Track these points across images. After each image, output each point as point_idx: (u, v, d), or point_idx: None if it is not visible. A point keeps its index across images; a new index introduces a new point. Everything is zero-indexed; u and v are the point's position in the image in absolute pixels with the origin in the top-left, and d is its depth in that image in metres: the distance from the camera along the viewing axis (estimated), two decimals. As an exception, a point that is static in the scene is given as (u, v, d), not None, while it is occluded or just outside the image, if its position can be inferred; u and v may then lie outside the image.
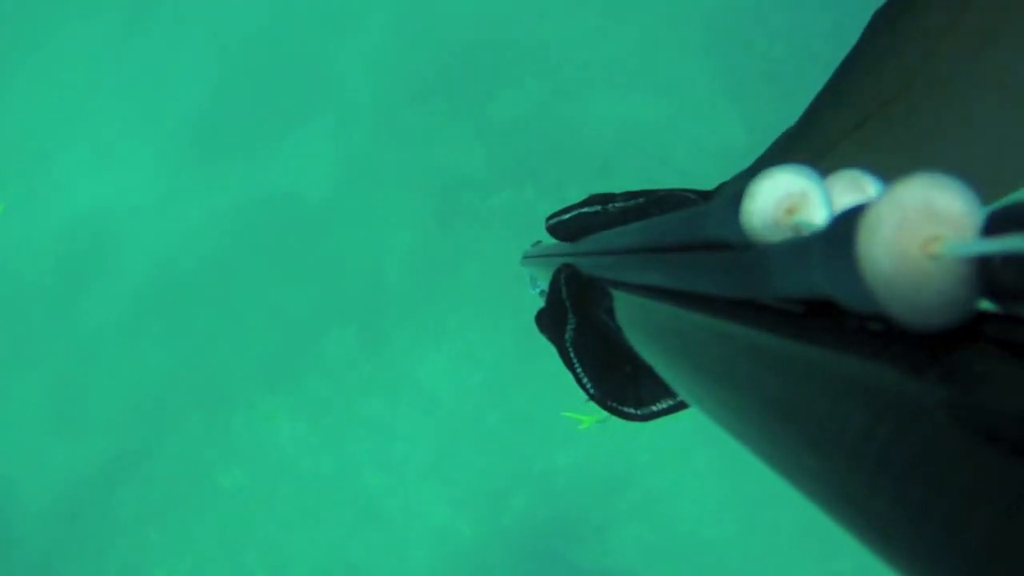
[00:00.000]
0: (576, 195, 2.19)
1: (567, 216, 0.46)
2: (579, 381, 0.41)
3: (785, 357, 0.19)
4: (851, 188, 0.20)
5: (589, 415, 2.25)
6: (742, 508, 2.35)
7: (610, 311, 0.39)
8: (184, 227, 2.85)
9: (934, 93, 0.37)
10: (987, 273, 0.14)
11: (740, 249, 0.21)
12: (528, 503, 2.41)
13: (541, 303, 0.48)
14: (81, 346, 2.77)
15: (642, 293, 0.32)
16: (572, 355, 0.41)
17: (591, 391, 0.41)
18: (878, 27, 0.41)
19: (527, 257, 0.64)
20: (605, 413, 0.43)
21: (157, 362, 2.69)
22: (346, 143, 2.86)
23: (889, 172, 0.18)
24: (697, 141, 2.58)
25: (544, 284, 0.53)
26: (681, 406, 0.39)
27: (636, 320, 0.35)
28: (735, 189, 0.22)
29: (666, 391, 0.38)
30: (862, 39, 0.42)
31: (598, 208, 0.44)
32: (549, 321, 0.44)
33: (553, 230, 0.47)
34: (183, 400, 2.64)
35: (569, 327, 0.41)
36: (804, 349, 0.18)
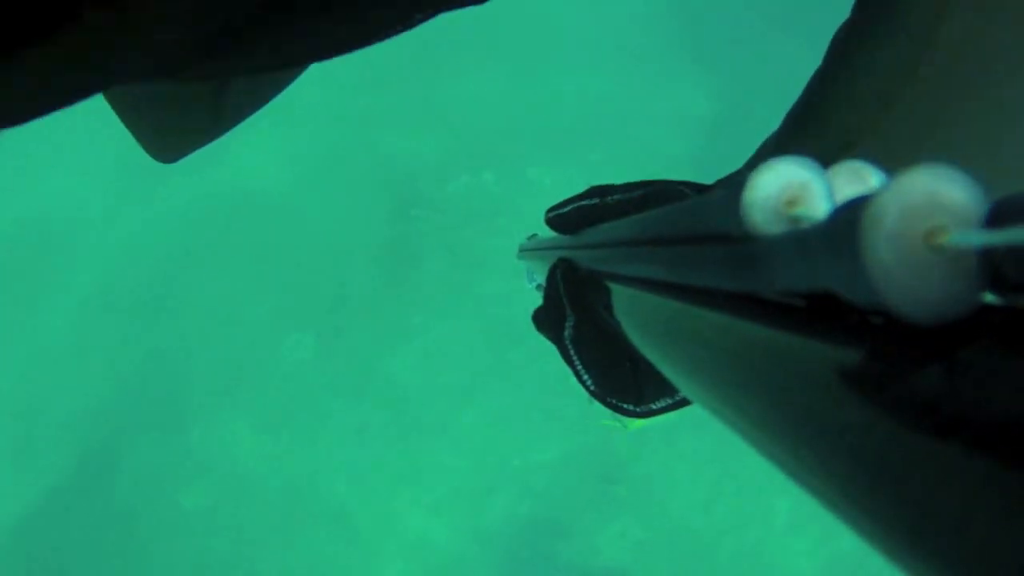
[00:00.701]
0: (537, 176, 2.14)
1: (565, 209, 0.47)
2: (579, 378, 0.41)
3: (785, 351, 0.19)
4: (853, 179, 0.20)
5: (629, 420, 2.21)
6: (733, 495, 2.34)
7: (608, 306, 0.40)
8: (130, 231, 2.80)
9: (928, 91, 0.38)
10: (991, 265, 0.15)
11: (740, 242, 0.21)
12: (509, 504, 2.39)
13: (538, 296, 0.49)
14: (25, 364, 2.69)
15: (641, 287, 0.33)
16: (572, 353, 0.41)
17: (591, 388, 0.41)
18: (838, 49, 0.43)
19: (523, 250, 0.65)
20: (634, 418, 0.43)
21: (108, 378, 2.63)
22: (295, 137, 2.82)
23: (893, 163, 0.18)
24: (663, 113, 2.54)
25: (541, 278, 0.54)
26: (680, 404, 0.40)
27: (634, 314, 0.35)
28: (736, 181, 0.22)
29: (666, 388, 0.39)
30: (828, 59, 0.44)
31: (596, 201, 0.45)
32: (547, 319, 0.44)
33: (551, 223, 0.48)
34: (138, 417, 2.58)
35: (568, 324, 0.41)
36: (805, 343, 0.18)
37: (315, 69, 0.50)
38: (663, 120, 2.58)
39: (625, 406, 0.41)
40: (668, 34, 2.61)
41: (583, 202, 0.46)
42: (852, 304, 0.16)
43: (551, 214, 0.48)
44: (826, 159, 0.20)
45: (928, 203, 0.15)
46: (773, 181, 0.20)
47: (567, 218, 0.47)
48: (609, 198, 0.45)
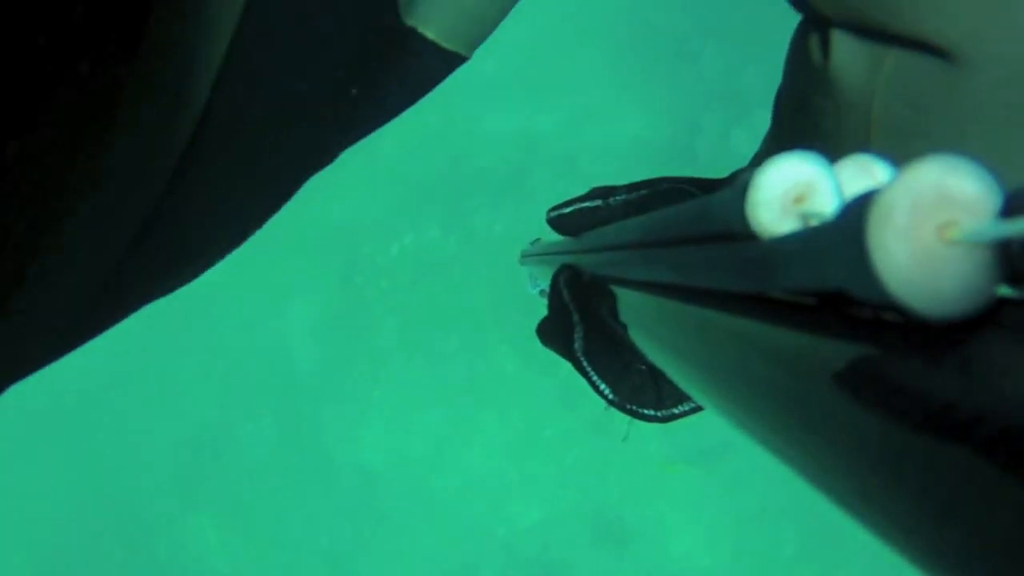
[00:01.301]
0: (485, 223, 2.04)
1: (568, 210, 0.47)
2: (596, 389, 0.41)
3: (797, 352, 0.19)
4: (861, 174, 0.20)
5: (679, 463, 2.23)
6: (734, 529, 2.27)
7: (613, 311, 0.40)
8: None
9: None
10: (1006, 258, 0.15)
11: (747, 241, 0.21)
12: (499, 576, 2.28)
13: (541, 302, 0.50)
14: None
15: (646, 290, 0.33)
16: (585, 364, 0.41)
17: (610, 397, 0.41)
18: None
19: (526, 256, 0.67)
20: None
21: (61, 497, 2.54)
22: None
23: (902, 156, 0.17)
24: (607, 141, 2.45)
25: (544, 283, 0.55)
26: (700, 407, 0.39)
27: (641, 318, 0.36)
28: (741, 179, 0.21)
29: (685, 392, 0.38)
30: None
31: (599, 202, 0.46)
32: (553, 330, 0.45)
33: (553, 224, 0.49)
34: (98, 535, 2.48)
35: (577, 336, 0.42)
36: (816, 343, 0.18)
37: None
38: (614, 149, 2.52)
39: (645, 412, 0.41)
40: (607, 59, 2.56)
41: (585, 204, 0.46)
42: (864, 302, 0.16)
43: (552, 214, 0.49)
44: (824, 148, 0.20)
45: (939, 196, 0.15)
46: (779, 178, 0.20)
47: (568, 219, 0.48)
48: (612, 199, 0.45)
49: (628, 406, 0.41)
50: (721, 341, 0.25)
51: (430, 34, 0.47)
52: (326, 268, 2.61)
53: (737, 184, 0.21)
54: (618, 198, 0.45)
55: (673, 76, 2.55)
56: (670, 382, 0.38)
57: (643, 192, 0.45)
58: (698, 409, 0.40)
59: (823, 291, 0.18)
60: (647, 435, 2.27)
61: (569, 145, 2.59)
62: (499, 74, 2.71)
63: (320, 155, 0.46)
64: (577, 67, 2.65)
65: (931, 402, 0.14)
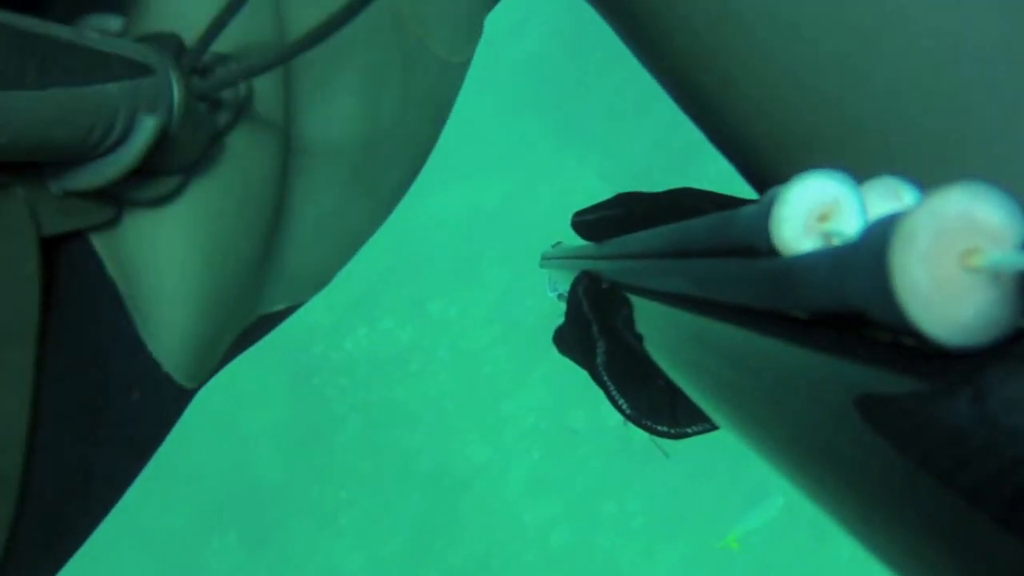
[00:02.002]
0: (439, 309, 2.02)
1: (590, 217, 0.48)
2: (614, 403, 0.42)
3: (812, 372, 0.19)
4: (887, 196, 0.20)
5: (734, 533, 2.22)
6: None
7: (629, 320, 0.41)
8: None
9: None
10: None
11: (768, 257, 0.22)
12: None
13: (559, 305, 0.51)
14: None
15: (664, 301, 0.33)
16: (606, 379, 0.42)
17: (627, 412, 0.42)
18: None
19: (546, 258, 0.68)
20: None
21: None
22: None
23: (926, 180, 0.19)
24: (558, 206, 2.44)
25: (563, 287, 0.56)
26: (714, 427, 0.40)
27: (656, 329, 0.36)
28: (767, 194, 0.22)
29: (700, 412, 0.39)
30: None
31: (622, 211, 0.47)
32: (571, 339, 0.46)
33: (576, 228, 0.50)
34: None
35: (599, 351, 0.42)
36: (832, 364, 0.19)
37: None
38: (560, 212, 2.50)
39: (660, 428, 0.42)
40: (540, 122, 2.56)
41: (608, 211, 0.47)
42: (883, 325, 0.17)
43: (576, 219, 0.49)
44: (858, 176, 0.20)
45: (964, 222, 0.15)
46: (804, 195, 0.20)
47: (592, 226, 0.48)
48: (636, 208, 0.46)
49: (644, 421, 0.42)
50: (736, 357, 0.25)
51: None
52: (280, 372, 2.58)
53: (763, 199, 0.22)
54: (643, 207, 0.46)
55: (612, 133, 2.57)
56: (686, 399, 0.38)
57: (667, 202, 0.46)
58: (710, 429, 0.41)
59: (842, 311, 0.18)
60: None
61: (518, 217, 2.60)
62: (437, 152, 2.71)
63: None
64: (513, 134, 2.66)
65: (942, 431, 0.14)
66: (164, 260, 0.36)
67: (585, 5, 0.54)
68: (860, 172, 0.22)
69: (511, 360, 2.47)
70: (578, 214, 0.50)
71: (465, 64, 0.57)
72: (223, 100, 0.36)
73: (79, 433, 0.35)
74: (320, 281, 0.57)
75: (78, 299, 0.34)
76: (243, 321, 0.47)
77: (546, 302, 2.53)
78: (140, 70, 0.29)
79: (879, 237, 0.16)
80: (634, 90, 2.59)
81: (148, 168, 0.31)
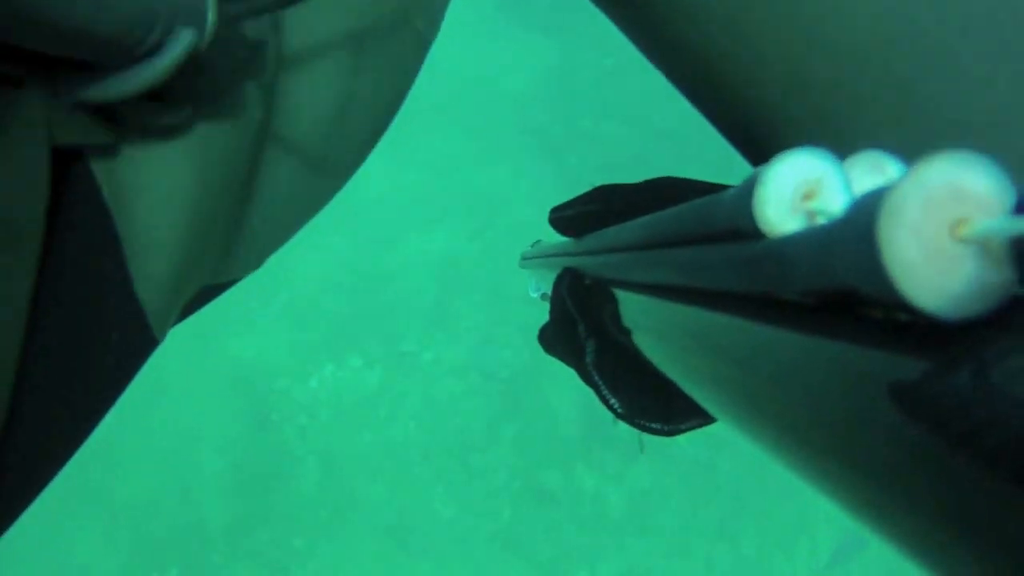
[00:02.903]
0: (414, 350, 1.99)
1: (570, 212, 0.49)
2: (606, 402, 0.42)
3: (805, 353, 0.20)
4: (871, 170, 0.21)
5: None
6: None
7: (615, 315, 0.41)
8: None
9: None
10: (1020, 256, 0.15)
11: (754, 240, 0.22)
12: None
13: (543, 305, 0.52)
14: None
15: (650, 293, 0.34)
16: (597, 378, 0.42)
17: (619, 411, 0.42)
18: None
19: (526, 258, 0.69)
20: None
21: None
22: None
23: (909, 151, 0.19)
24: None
25: (545, 286, 0.57)
26: (707, 422, 0.41)
27: (645, 322, 0.37)
28: (749, 176, 0.22)
29: (693, 407, 0.40)
30: None
31: (600, 205, 0.47)
32: (556, 338, 0.46)
33: (553, 224, 0.50)
34: None
35: (589, 350, 0.42)
36: (825, 344, 0.19)
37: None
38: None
39: (653, 426, 0.42)
40: (527, 172, 2.55)
41: (586, 206, 0.47)
42: (875, 301, 0.17)
43: (554, 215, 0.50)
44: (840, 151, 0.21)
45: (952, 192, 0.15)
46: (788, 174, 0.21)
47: (571, 221, 0.49)
48: (615, 201, 0.46)
49: (636, 420, 0.42)
50: (727, 344, 0.25)
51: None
52: (236, 407, 2.54)
53: (745, 181, 0.22)
54: (620, 200, 0.46)
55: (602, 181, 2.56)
56: (679, 395, 0.38)
57: (647, 194, 0.46)
58: (703, 424, 0.42)
59: (832, 291, 0.19)
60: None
61: (502, 263, 2.58)
62: (412, 194, 2.74)
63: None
64: (499, 183, 2.65)
65: (943, 405, 0.14)
66: (162, 193, 0.36)
67: (574, 50, 0.55)
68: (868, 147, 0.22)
69: (485, 412, 2.44)
70: (555, 210, 0.50)
71: (429, 44, 0.58)
72: (241, 43, 0.37)
73: (62, 362, 0.35)
74: (261, 256, 0.57)
75: (76, 224, 0.34)
76: (203, 279, 0.47)
77: (524, 354, 2.53)
78: None
79: (866, 212, 0.16)
80: (627, 142, 2.59)
81: (165, 93, 0.32)
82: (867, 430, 0.17)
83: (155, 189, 0.36)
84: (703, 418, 0.41)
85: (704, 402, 0.32)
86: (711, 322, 0.26)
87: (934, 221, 0.15)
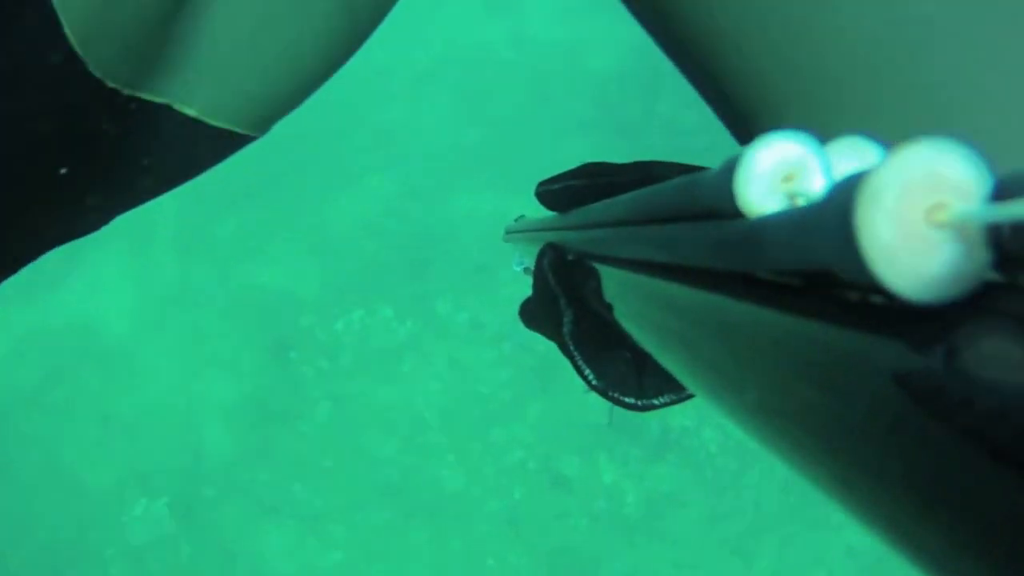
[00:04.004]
0: (447, 310, 1.99)
1: (556, 187, 0.50)
2: (580, 372, 0.44)
3: (782, 332, 0.21)
4: (852, 155, 0.22)
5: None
6: None
7: (597, 290, 0.43)
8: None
9: None
10: (995, 242, 0.16)
11: (734, 219, 0.23)
12: None
13: (526, 279, 0.54)
14: None
15: (632, 268, 0.35)
16: (572, 349, 0.44)
17: (593, 382, 0.44)
18: None
19: (510, 232, 0.71)
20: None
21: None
22: (145, 267, 2.72)
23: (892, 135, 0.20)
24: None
25: (528, 261, 0.59)
26: (682, 398, 0.43)
27: (626, 298, 0.39)
28: (730, 157, 0.24)
29: (667, 383, 0.42)
30: None
31: (587, 181, 0.49)
32: (538, 312, 0.48)
33: (540, 198, 0.52)
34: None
35: (567, 321, 0.44)
36: (801, 324, 0.20)
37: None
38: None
39: (626, 400, 0.44)
40: (585, 148, 2.54)
41: (573, 181, 0.49)
42: (851, 283, 0.18)
43: (541, 188, 0.51)
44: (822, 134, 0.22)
45: (929, 178, 0.16)
46: (769, 156, 0.22)
47: (556, 196, 0.50)
48: (601, 179, 0.48)
49: (610, 392, 0.44)
50: (705, 320, 0.26)
51: (190, 111, 0.51)
52: (255, 337, 2.56)
53: (726, 162, 0.23)
54: (607, 177, 0.48)
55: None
56: (653, 372, 0.41)
57: (634, 174, 0.47)
58: (678, 400, 0.43)
59: (809, 271, 0.20)
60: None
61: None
62: (470, 152, 2.75)
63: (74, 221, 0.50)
64: (555, 152, 2.64)
65: (915, 386, 0.15)
66: None
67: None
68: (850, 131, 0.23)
69: (512, 385, 2.45)
70: (543, 183, 0.52)
71: None
72: None
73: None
74: (251, 99, 0.57)
75: None
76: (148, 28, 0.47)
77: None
78: None
79: (844, 195, 0.17)
80: (702, 131, 2.58)
81: None
82: (840, 410, 0.18)
83: None
84: (677, 394, 0.43)
85: (680, 375, 0.33)
86: (690, 297, 0.28)
87: (911, 206, 0.16)
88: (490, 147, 2.76)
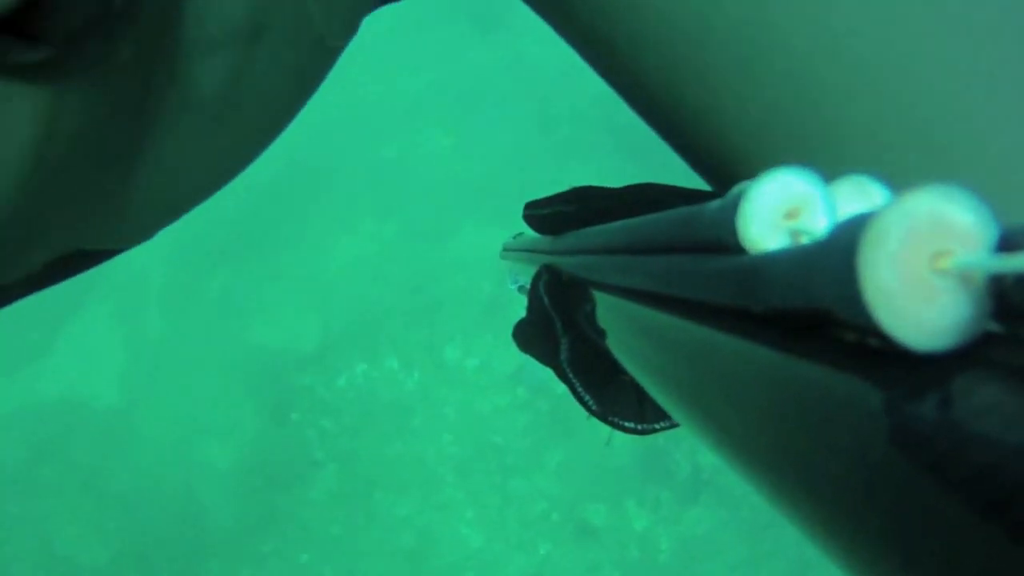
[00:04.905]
0: (459, 358, 1.96)
1: (544, 211, 0.52)
2: (579, 398, 0.45)
3: (776, 371, 0.21)
4: (857, 195, 0.22)
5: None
6: None
7: (591, 316, 0.44)
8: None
9: None
10: (997, 293, 0.16)
11: (734, 254, 0.23)
12: None
13: (520, 298, 0.56)
14: None
15: (627, 296, 0.36)
16: (571, 375, 0.45)
17: (592, 408, 0.45)
18: None
19: (507, 250, 0.73)
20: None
21: None
22: (133, 331, 2.71)
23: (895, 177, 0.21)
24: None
25: (523, 279, 0.60)
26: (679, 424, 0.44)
27: (619, 326, 0.39)
28: (734, 190, 0.24)
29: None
30: None
31: (577, 207, 0.49)
32: (534, 337, 0.49)
33: (528, 221, 0.54)
34: None
35: (564, 347, 0.45)
36: (796, 364, 0.20)
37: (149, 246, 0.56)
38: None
39: (627, 424, 0.44)
40: (600, 173, 2.54)
41: (562, 207, 0.50)
42: (849, 325, 0.18)
43: (528, 212, 0.53)
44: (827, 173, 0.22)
45: (935, 224, 0.16)
46: (773, 192, 0.22)
47: (545, 220, 0.52)
48: (593, 203, 0.49)
49: (610, 418, 0.45)
50: (698, 353, 0.27)
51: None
52: (254, 400, 2.55)
53: (729, 195, 0.24)
54: (599, 202, 0.49)
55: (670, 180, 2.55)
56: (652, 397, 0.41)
57: (627, 198, 0.48)
58: (677, 425, 0.44)
59: (808, 311, 0.20)
60: None
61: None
62: (474, 185, 2.76)
63: None
64: (566, 179, 2.61)
65: (908, 436, 0.15)
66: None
67: None
68: (828, 168, 0.24)
69: (530, 432, 2.43)
70: (530, 206, 0.53)
71: (337, 52, 0.60)
72: None
73: None
74: (155, 225, 0.57)
75: None
76: (66, 242, 0.48)
77: None
78: None
79: (848, 236, 0.17)
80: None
81: (18, 24, 0.32)
82: (828, 452, 0.18)
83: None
84: (674, 421, 0.44)
85: (667, 406, 0.34)
86: (683, 330, 0.28)
87: (915, 251, 0.16)
88: (491, 179, 2.76)
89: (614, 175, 2.57)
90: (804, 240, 0.22)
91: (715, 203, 0.25)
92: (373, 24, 0.60)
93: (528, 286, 0.51)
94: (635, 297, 0.34)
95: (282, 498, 2.41)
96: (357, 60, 2.47)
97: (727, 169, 0.50)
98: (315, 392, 2.52)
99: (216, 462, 2.47)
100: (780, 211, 0.22)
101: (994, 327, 0.17)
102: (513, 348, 1.68)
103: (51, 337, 2.68)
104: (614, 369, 0.43)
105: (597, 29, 0.51)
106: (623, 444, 2.34)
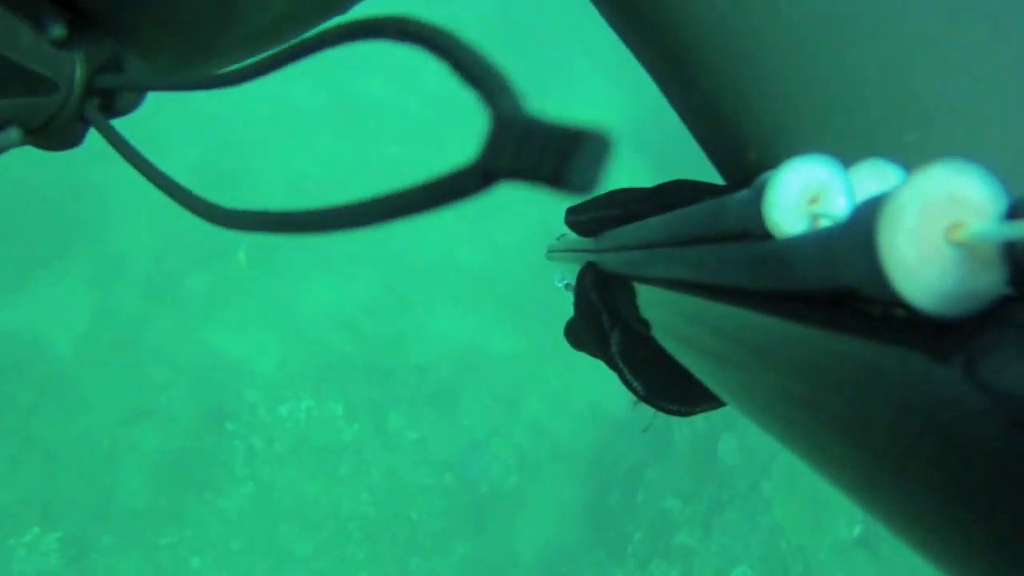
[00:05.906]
0: (399, 425, 2.03)
1: (584, 217, 0.53)
2: (628, 384, 0.47)
3: (808, 346, 0.23)
4: (874, 177, 0.24)
5: None
6: None
7: (633, 308, 0.46)
8: None
9: None
10: (1011, 259, 0.17)
11: (762, 240, 0.25)
12: None
13: (567, 295, 0.58)
14: None
15: (666, 286, 0.37)
16: (621, 365, 0.47)
17: (640, 392, 0.47)
18: None
19: (552, 251, 0.73)
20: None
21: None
22: (105, 301, 2.74)
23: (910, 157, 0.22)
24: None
25: (569, 278, 0.62)
26: (718, 404, 0.45)
27: (662, 313, 0.41)
28: (758, 179, 0.26)
29: (709, 390, 0.43)
30: None
31: (616, 212, 0.50)
32: (583, 330, 0.51)
33: (570, 225, 0.55)
34: None
35: (614, 340, 0.47)
36: (827, 337, 0.22)
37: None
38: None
39: (671, 407, 0.47)
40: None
41: (601, 212, 0.52)
42: (874, 299, 0.19)
43: (569, 217, 0.54)
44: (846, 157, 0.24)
45: (948, 198, 0.17)
46: (795, 179, 0.24)
47: (585, 225, 0.54)
48: (630, 205, 0.50)
49: (657, 401, 0.47)
50: (737, 334, 0.29)
51: None
52: (196, 398, 2.58)
53: (754, 184, 0.25)
54: (634, 206, 0.50)
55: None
56: (696, 379, 0.42)
57: (660, 199, 0.49)
58: (717, 406, 0.46)
59: (834, 289, 0.21)
60: None
61: (519, 371, 2.66)
62: (471, 270, 2.83)
63: None
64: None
65: (937, 397, 0.17)
66: None
67: None
68: (847, 153, 0.25)
69: (445, 518, 2.47)
70: (571, 212, 0.55)
71: None
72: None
73: None
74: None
75: None
76: None
77: (512, 478, 2.51)
78: (45, 86, 0.33)
79: (867, 216, 0.18)
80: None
81: None
82: (866, 419, 0.20)
83: None
84: (716, 402, 0.46)
85: (713, 385, 0.36)
86: (722, 313, 0.30)
87: (930, 225, 0.17)
88: (485, 271, 2.84)
89: (630, 175, 2.68)
90: (826, 223, 0.23)
91: (741, 193, 0.26)
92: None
93: (574, 284, 0.54)
94: (675, 286, 0.36)
95: (193, 499, 2.42)
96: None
97: (742, 159, 0.49)
98: (256, 411, 2.54)
99: (143, 443, 2.48)
100: (803, 197, 0.24)
101: (1009, 291, 0.18)
102: (454, 437, 1.83)
103: (23, 277, 2.70)
104: (660, 356, 0.45)
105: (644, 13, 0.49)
106: (527, 558, 2.34)
